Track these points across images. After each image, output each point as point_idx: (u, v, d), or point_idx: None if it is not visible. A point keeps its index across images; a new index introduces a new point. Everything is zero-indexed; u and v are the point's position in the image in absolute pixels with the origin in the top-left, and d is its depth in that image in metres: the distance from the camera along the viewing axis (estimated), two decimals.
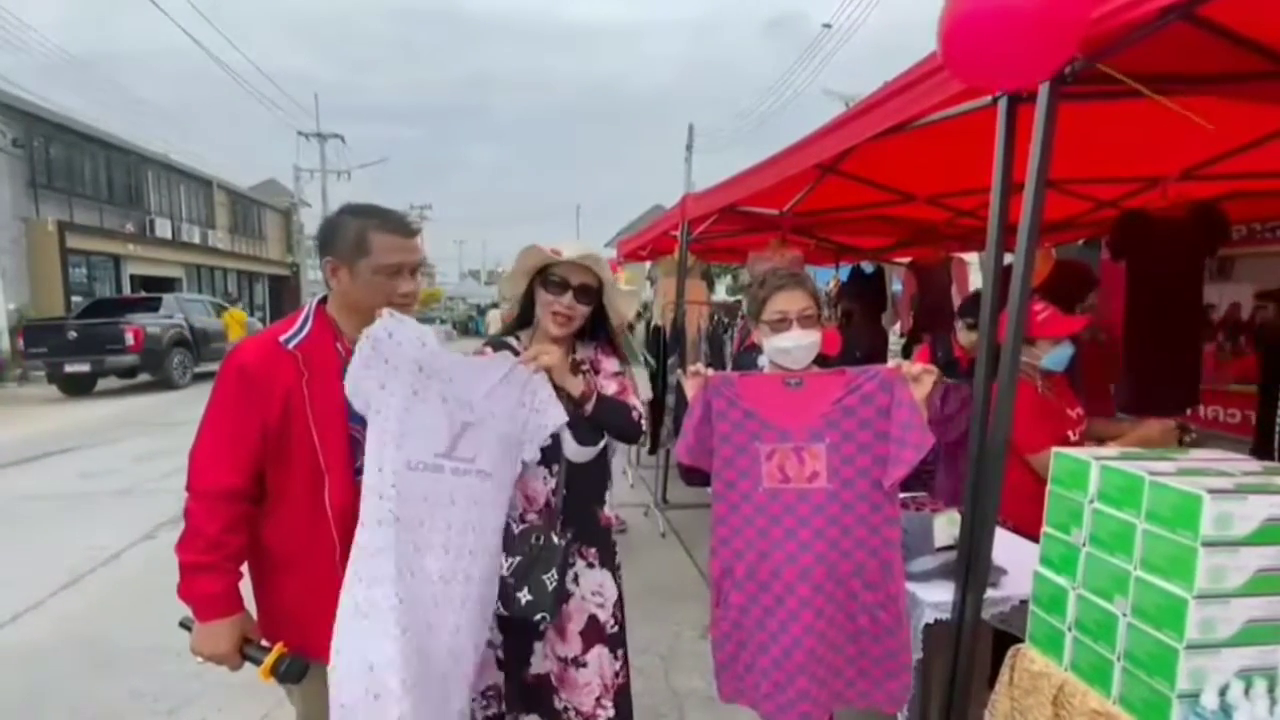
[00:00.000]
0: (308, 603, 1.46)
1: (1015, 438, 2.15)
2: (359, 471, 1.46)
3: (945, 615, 1.80)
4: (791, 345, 1.76)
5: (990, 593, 1.80)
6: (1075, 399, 2.44)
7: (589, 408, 1.68)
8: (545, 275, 1.72)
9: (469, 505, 1.50)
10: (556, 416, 1.63)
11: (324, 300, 1.57)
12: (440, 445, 1.48)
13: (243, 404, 1.42)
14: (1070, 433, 2.31)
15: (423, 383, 1.46)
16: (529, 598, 1.58)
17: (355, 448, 1.48)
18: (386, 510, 1.39)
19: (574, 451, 1.68)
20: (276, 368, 1.42)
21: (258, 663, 1.43)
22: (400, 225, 1.53)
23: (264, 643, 1.48)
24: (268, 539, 1.49)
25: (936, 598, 1.87)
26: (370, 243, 1.48)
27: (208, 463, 1.41)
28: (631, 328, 6.85)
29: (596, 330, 1.84)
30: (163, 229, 20.63)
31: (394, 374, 1.43)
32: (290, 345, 1.46)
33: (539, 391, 1.62)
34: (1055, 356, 2.32)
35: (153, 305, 12.87)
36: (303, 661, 1.44)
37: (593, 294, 1.74)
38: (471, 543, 1.51)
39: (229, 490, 1.40)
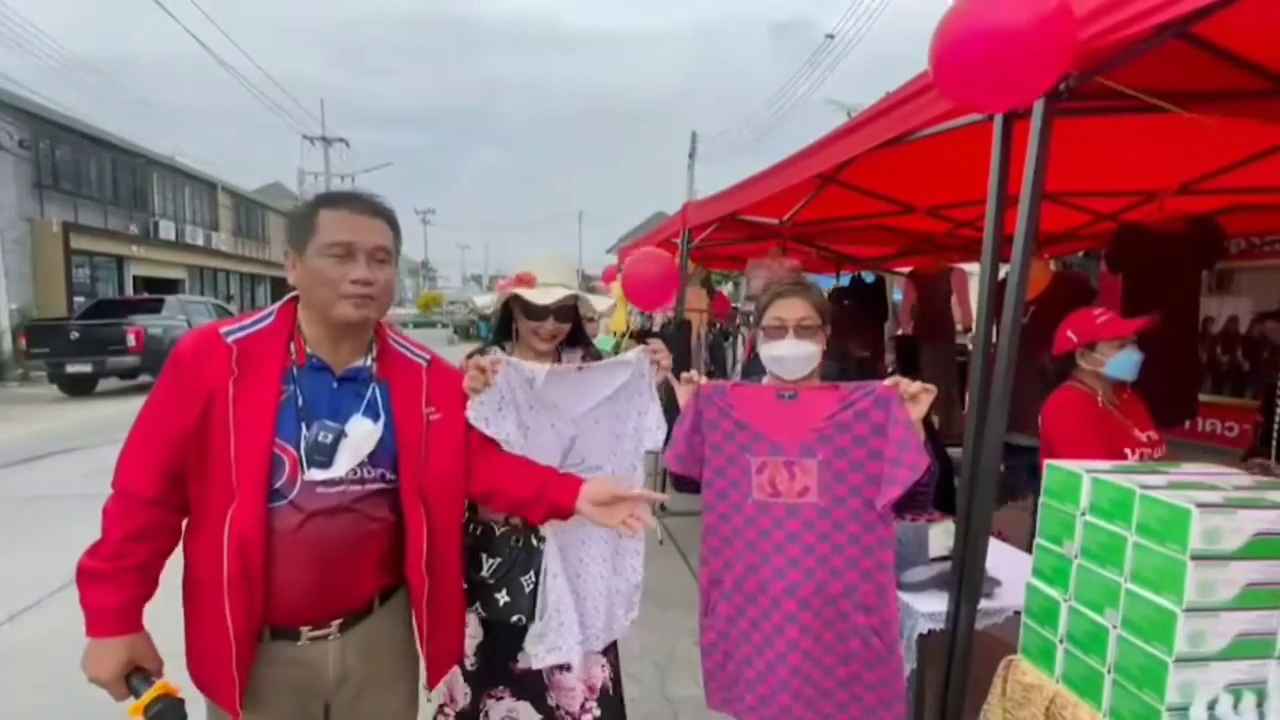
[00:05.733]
0: (205, 643, 1.29)
1: (1059, 446, 2.14)
2: (279, 495, 1.26)
3: (940, 625, 1.80)
4: (785, 354, 1.72)
5: (984, 603, 1.80)
6: (1149, 422, 2.29)
7: None
8: (522, 302, 1.75)
9: None
10: (654, 441, 1.72)
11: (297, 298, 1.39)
12: (554, 459, 1.63)
13: (169, 399, 1.27)
14: (1129, 450, 2.17)
15: (532, 417, 1.62)
16: (506, 599, 1.61)
17: (277, 468, 1.26)
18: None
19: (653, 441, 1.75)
20: (207, 361, 1.25)
21: (138, 696, 1.28)
22: (353, 202, 1.33)
23: (155, 677, 1.30)
24: (188, 560, 1.32)
25: (931, 608, 1.88)
26: (317, 221, 1.29)
27: (130, 459, 1.28)
28: (633, 334, 6.86)
29: (574, 334, 1.87)
30: (166, 231, 20.71)
31: (517, 413, 1.58)
32: (230, 338, 1.27)
33: (648, 413, 1.71)
34: (1120, 362, 2.19)
35: (155, 307, 12.90)
36: (180, 709, 1.27)
37: (570, 310, 1.80)
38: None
39: (140, 494, 1.26)
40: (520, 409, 1.60)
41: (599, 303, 1.86)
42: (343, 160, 27.81)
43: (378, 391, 1.38)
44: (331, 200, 1.32)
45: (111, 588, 1.25)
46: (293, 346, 1.32)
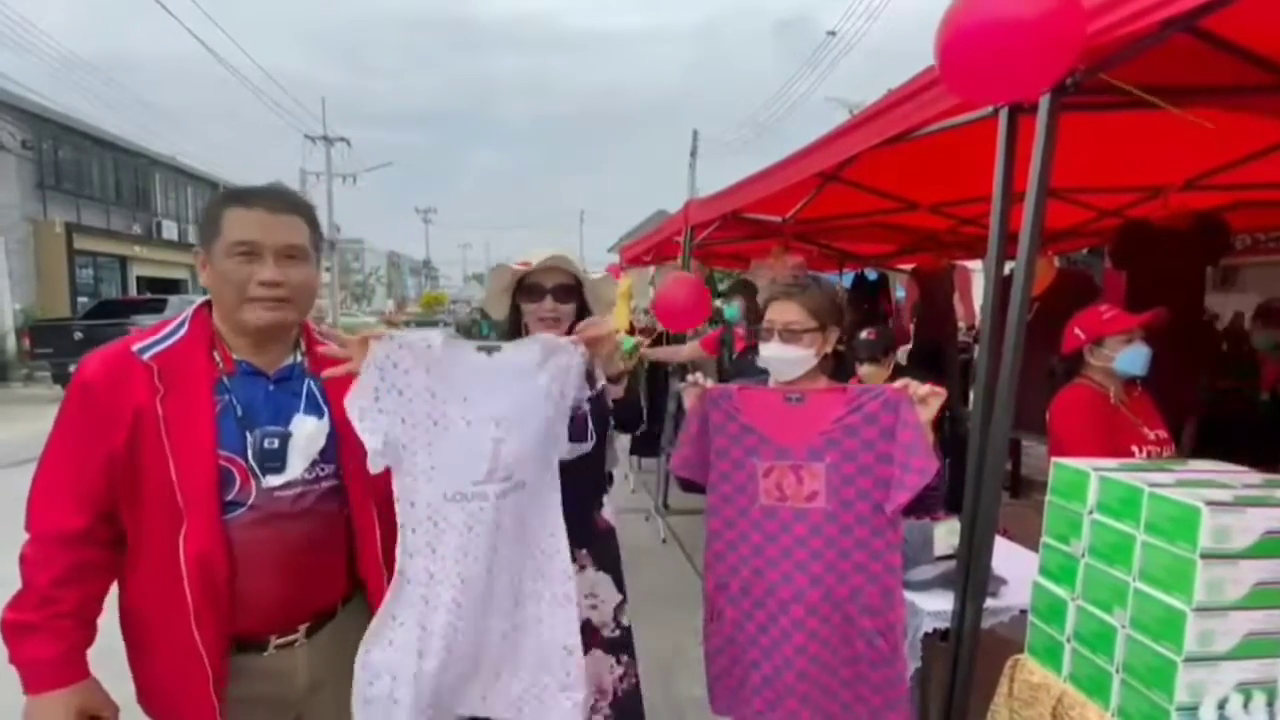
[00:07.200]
0: (170, 673, 1.21)
1: (1066, 443, 2.13)
2: (233, 505, 1.20)
3: (945, 624, 1.80)
4: (769, 356, 1.72)
5: (990, 602, 1.79)
6: (1159, 420, 2.28)
7: (620, 389, 1.68)
8: (523, 287, 1.75)
9: (515, 524, 1.37)
10: (580, 395, 1.45)
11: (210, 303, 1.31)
12: (478, 473, 1.32)
13: (83, 427, 1.18)
14: (1137, 448, 2.15)
15: (439, 409, 1.30)
16: None
17: (226, 481, 1.20)
18: (422, 543, 1.29)
19: (567, 449, 1.49)
20: (124, 382, 1.17)
21: None
22: (261, 198, 1.25)
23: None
24: (129, 593, 1.24)
25: (936, 606, 1.87)
26: (222, 220, 1.22)
27: (44, 499, 1.18)
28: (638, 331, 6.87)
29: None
30: (169, 231, 20.73)
31: (409, 405, 1.27)
32: (146, 355, 1.19)
33: (571, 376, 1.43)
34: (1129, 357, 2.17)
35: (158, 307, 12.93)
36: None
37: (571, 292, 1.76)
38: (515, 556, 1.39)
39: (66, 533, 1.16)
40: (417, 400, 1.27)
41: (606, 290, 1.85)
42: (344, 160, 27.81)
43: (314, 387, 1.33)
44: (238, 197, 1.26)
45: (46, 638, 1.15)
46: (217, 355, 1.25)
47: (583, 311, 1.80)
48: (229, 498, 1.20)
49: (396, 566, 1.29)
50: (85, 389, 1.18)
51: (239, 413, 1.24)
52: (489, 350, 1.36)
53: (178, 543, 1.16)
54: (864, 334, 3.03)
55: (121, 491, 1.18)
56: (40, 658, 1.15)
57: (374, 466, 1.25)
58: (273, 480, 1.24)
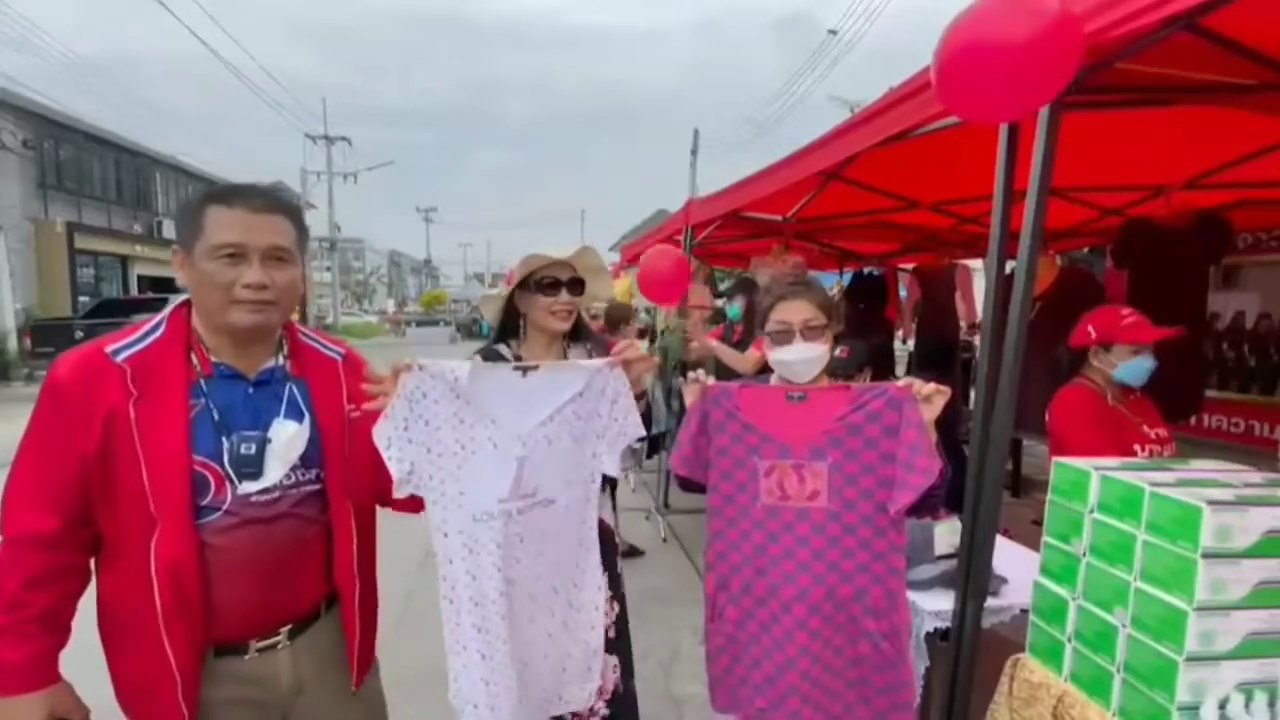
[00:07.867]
0: (141, 677, 1.21)
1: (1067, 442, 2.13)
2: (208, 510, 1.18)
3: (946, 624, 1.79)
4: (793, 358, 1.67)
5: (991, 601, 1.79)
6: (1158, 419, 2.29)
7: (640, 405, 1.70)
8: (536, 281, 1.77)
9: (538, 537, 1.42)
10: (635, 428, 1.50)
11: (190, 303, 1.28)
12: (502, 490, 1.36)
13: (55, 430, 1.16)
14: (1139, 446, 2.17)
15: (467, 434, 1.32)
16: None
17: (200, 486, 1.17)
18: (461, 571, 1.33)
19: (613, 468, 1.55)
20: (96, 384, 1.14)
21: None
22: (245, 197, 1.21)
23: None
24: (105, 594, 1.23)
25: (937, 606, 1.87)
26: (204, 220, 1.18)
27: (17, 501, 1.16)
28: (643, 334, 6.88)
29: (577, 330, 1.89)
30: (170, 230, 20.72)
31: (435, 434, 1.29)
32: (119, 357, 1.16)
33: (620, 400, 1.48)
34: (1132, 368, 2.18)
35: (159, 306, 12.90)
36: None
37: (581, 285, 1.82)
38: (541, 568, 1.45)
39: (38, 535, 1.14)
40: (445, 427, 1.30)
41: (601, 287, 1.88)
42: (345, 159, 27.81)
43: (296, 390, 1.30)
44: (221, 196, 1.21)
45: (14, 641, 1.14)
46: (194, 357, 1.22)
47: (577, 321, 1.85)
48: (203, 502, 1.18)
49: (442, 596, 1.33)
50: (56, 391, 1.15)
51: (215, 416, 1.21)
52: (525, 370, 1.39)
53: (149, 548, 1.14)
54: (838, 351, 2.97)
55: (95, 495, 1.17)
56: (8, 661, 1.14)
57: (399, 492, 1.27)
58: (249, 486, 1.21)
